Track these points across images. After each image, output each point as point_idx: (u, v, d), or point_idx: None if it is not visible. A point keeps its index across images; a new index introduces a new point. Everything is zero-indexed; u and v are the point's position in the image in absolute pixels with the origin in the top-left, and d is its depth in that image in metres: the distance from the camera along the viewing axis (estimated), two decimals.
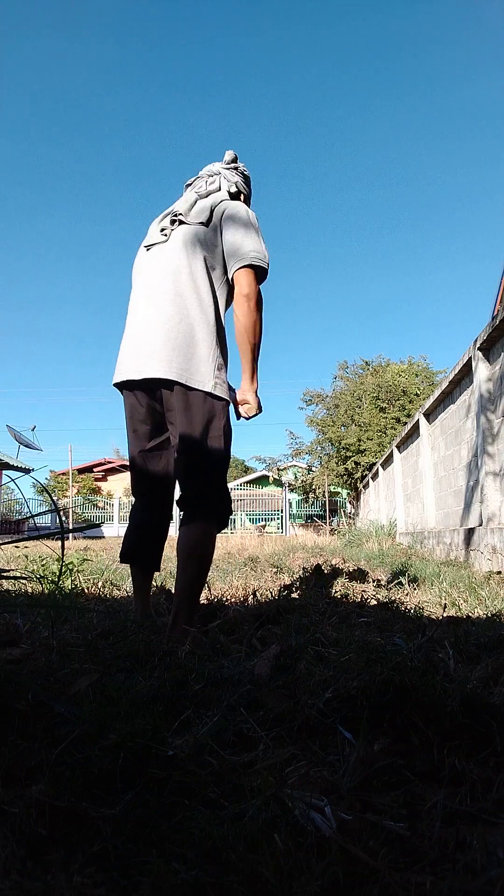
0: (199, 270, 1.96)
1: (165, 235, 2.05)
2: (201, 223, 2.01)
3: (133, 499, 2.19)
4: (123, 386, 2.03)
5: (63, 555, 1.30)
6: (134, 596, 2.17)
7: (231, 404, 2.04)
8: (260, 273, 2.00)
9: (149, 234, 2.13)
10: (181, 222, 2.05)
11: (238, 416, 2.15)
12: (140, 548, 2.11)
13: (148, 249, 2.10)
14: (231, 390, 2.06)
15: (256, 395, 2.11)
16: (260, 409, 2.14)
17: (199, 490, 1.92)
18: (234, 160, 2.21)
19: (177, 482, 2.02)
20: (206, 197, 2.07)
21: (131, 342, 1.99)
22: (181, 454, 1.93)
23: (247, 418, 2.15)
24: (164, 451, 2.06)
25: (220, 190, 2.11)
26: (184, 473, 1.94)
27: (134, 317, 2.03)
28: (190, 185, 2.19)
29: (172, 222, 2.06)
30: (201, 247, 1.98)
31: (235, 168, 2.19)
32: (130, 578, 2.24)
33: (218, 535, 2.00)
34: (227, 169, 2.18)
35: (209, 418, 1.91)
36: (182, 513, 1.94)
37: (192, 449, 1.90)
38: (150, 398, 1.99)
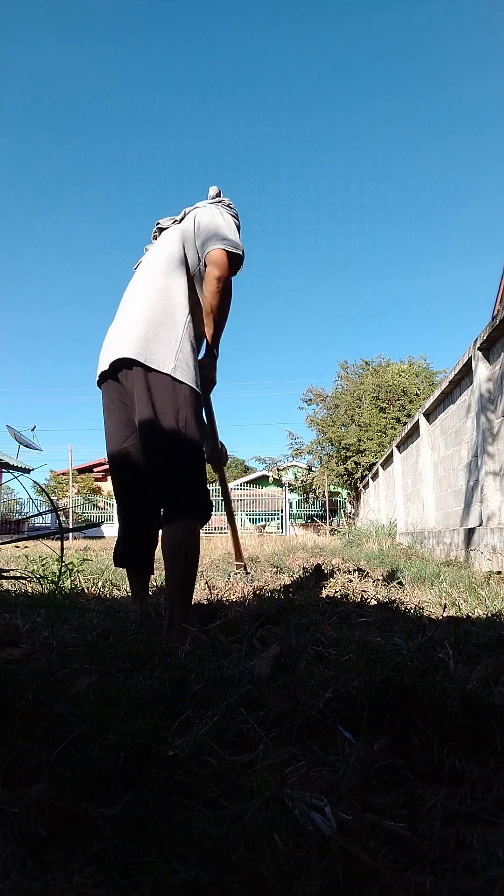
0: (174, 265, 2.01)
1: (147, 250, 2.23)
2: (175, 221, 2.15)
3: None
4: (101, 381, 2.08)
5: (62, 555, 1.30)
6: (132, 598, 2.17)
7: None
8: (233, 260, 2.01)
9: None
10: (161, 230, 2.21)
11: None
12: (132, 552, 2.11)
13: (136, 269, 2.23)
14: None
15: (214, 367, 2.16)
16: (214, 381, 2.19)
17: (175, 483, 1.84)
18: (219, 195, 2.24)
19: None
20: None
21: (106, 339, 2.07)
22: (147, 443, 1.85)
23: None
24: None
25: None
26: (154, 465, 1.86)
27: (117, 315, 2.11)
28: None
29: (155, 238, 2.23)
30: (175, 242, 2.06)
31: (220, 202, 2.21)
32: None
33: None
34: (212, 204, 2.19)
35: (178, 405, 1.84)
36: (163, 511, 1.89)
37: (159, 438, 1.83)
38: (121, 390, 1.99)
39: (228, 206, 2.20)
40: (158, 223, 2.23)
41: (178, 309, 1.94)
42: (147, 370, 1.85)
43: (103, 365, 2.00)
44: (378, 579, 3.74)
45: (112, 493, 2.15)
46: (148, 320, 1.90)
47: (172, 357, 1.86)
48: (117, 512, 2.14)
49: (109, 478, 2.18)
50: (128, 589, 3.16)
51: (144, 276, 2.06)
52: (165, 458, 1.84)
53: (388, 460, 11.82)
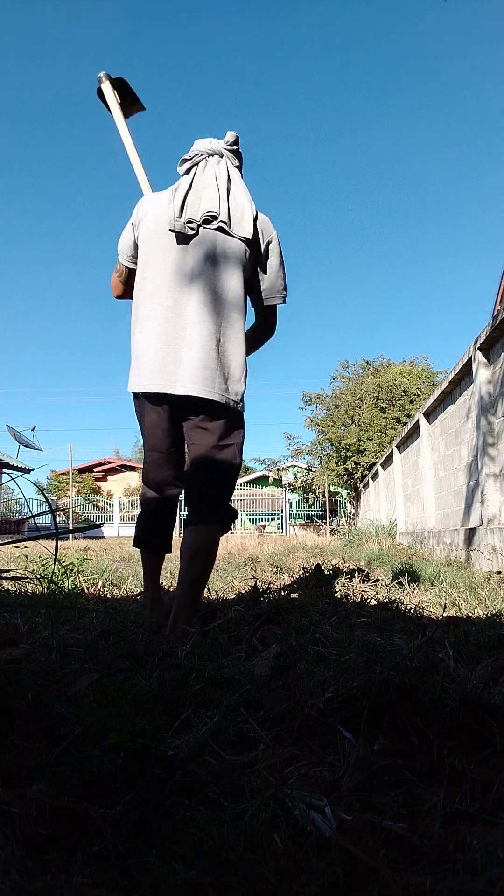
0: (238, 289, 1.95)
1: (192, 229, 1.91)
2: (245, 238, 1.95)
3: (142, 490, 2.24)
4: (151, 398, 1.96)
5: (56, 555, 1.30)
6: (144, 578, 2.24)
7: None
8: None
9: (167, 214, 1.94)
10: (222, 230, 1.92)
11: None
12: (155, 534, 2.19)
13: (178, 241, 1.93)
14: None
15: None
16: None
17: (221, 497, 2.00)
18: (237, 142, 2.06)
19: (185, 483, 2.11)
20: (233, 193, 1.97)
21: (160, 352, 1.89)
22: (206, 467, 1.97)
23: None
24: (183, 453, 2.14)
25: (241, 187, 2.02)
26: (208, 482, 1.99)
27: (161, 321, 1.90)
28: (189, 160, 2.02)
29: (207, 221, 1.91)
30: (242, 265, 1.97)
31: (236, 152, 2.07)
32: (140, 565, 2.29)
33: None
34: (230, 150, 2.05)
35: (240, 438, 2.03)
36: (189, 513, 1.99)
37: (219, 461, 1.98)
38: (172, 412, 1.99)
39: (239, 153, 2.10)
40: (217, 219, 1.90)
41: (241, 339, 1.97)
42: (220, 405, 1.92)
43: (166, 388, 1.88)
44: (378, 579, 3.73)
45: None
46: (219, 360, 1.89)
47: (240, 392, 1.97)
48: (144, 494, 2.20)
49: (131, 472, 2.26)
50: (128, 589, 3.17)
51: (209, 294, 1.89)
52: (219, 480, 2.00)
53: (388, 460, 11.82)
